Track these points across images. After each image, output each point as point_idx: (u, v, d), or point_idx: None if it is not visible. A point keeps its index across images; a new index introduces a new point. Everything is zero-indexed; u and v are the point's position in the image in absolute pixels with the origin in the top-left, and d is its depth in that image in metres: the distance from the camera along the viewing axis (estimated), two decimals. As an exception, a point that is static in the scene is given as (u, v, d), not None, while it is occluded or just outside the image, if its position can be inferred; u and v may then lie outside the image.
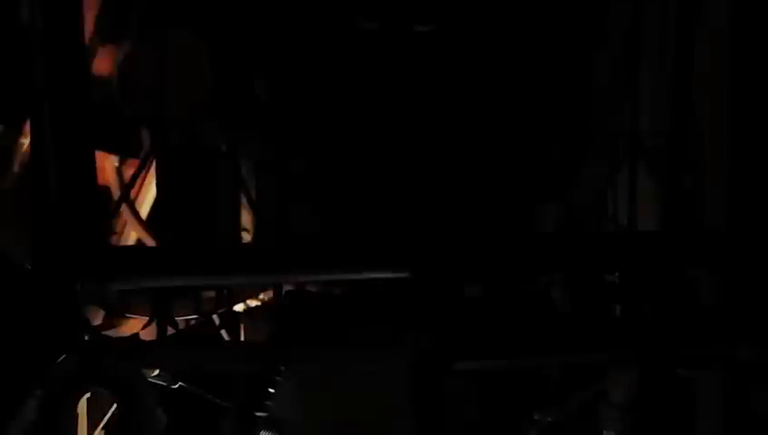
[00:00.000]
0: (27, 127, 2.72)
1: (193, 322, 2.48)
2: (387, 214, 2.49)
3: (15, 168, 2.74)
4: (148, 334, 2.12)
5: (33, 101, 2.30)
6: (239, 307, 2.64)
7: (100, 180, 2.86)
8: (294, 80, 2.64)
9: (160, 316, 1.93)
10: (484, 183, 2.50)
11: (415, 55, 2.44)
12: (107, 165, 2.86)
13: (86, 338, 1.85)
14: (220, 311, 2.21)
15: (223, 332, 2.61)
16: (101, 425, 2.40)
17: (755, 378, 1.97)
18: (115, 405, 2.31)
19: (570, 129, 2.55)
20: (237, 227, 2.73)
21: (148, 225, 2.80)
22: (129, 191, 2.79)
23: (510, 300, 2.32)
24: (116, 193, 2.82)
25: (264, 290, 2.55)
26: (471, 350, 1.82)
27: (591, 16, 2.46)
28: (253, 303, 2.67)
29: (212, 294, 2.47)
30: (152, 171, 2.90)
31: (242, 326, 2.64)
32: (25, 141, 2.75)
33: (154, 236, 2.59)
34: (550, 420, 2.41)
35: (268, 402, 2.15)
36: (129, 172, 2.84)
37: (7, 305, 2.38)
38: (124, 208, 2.76)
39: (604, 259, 2.20)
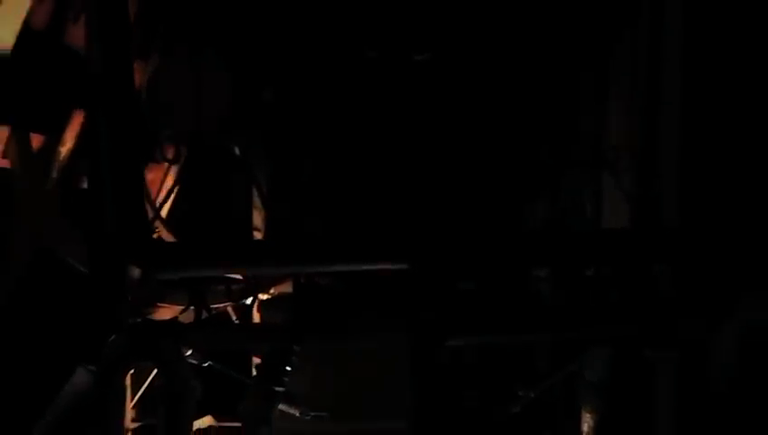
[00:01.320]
0: (66, 135, 3.02)
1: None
2: (388, 213, 2.80)
3: (54, 172, 3.01)
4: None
5: (89, 114, 2.58)
6: (248, 301, 2.92)
7: None
8: (306, 95, 2.93)
9: (196, 303, 2.22)
10: (479, 187, 2.82)
11: (415, 74, 2.74)
12: None
13: (134, 320, 2.14)
14: (248, 299, 2.47)
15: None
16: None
17: (707, 357, 2.26)
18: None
19: (555, 142, 2.86)
20: (250, 226, 3.04)
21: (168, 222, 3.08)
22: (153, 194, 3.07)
23: (499, 292, 2.61)
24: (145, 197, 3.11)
25: (275, 284, 2.83)
26: (462, 328, 2.11)
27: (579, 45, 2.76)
28: (263, 296, 2.95)
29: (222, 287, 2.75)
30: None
31: (258, 315, 2.93)
32: (63, 149, 3.05)
33: (174, 233, 2.86)
34: (532, 395, 2.70)
35: (285, 379, 2.44)
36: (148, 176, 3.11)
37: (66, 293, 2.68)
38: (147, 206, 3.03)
39: (582, 254, 2.48)
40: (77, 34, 2.72)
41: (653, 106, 2.24)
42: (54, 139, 2.90)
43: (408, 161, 2.82)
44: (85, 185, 3.13)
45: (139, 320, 2.14)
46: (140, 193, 2.12)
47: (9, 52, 2.29)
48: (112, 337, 2.10)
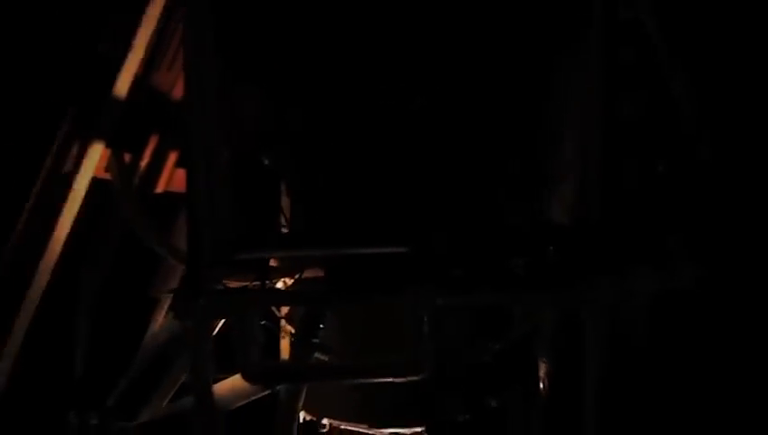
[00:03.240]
0: (144, 153, 3.87)
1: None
2: (391, 212, 3.43)
3: (136, 181, 3.86)
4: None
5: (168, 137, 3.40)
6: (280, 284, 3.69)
7: (179, 188, 4.03)
8: (321, 117, 3.51)
9: (261, 277, 3.10)
10: (470, 190, 3.43)
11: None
12: (183, 177, 4.00)
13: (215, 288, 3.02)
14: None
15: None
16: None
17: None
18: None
19: (528, 160, 3.48)
20: (278, 221, 3.83)
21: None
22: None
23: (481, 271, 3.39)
24: None
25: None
26: (448, 291, 2.99)
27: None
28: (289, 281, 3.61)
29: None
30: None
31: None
32: (142, 163, 3.88)
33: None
34: (498, 347, 3.55)
35: (320, 333, 3.33)
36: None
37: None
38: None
39: (543, 242, 3.34)
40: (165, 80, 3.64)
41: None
42: (138, 156, 3.72)
43: (409, 169, 3.41)
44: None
45: (219, 287, 3.03)
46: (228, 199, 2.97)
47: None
48: (201, 300, 3.00)
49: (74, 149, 3.32)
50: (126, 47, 3.13)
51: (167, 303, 4.07)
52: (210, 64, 2.97)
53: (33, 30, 3.38)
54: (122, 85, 3.18)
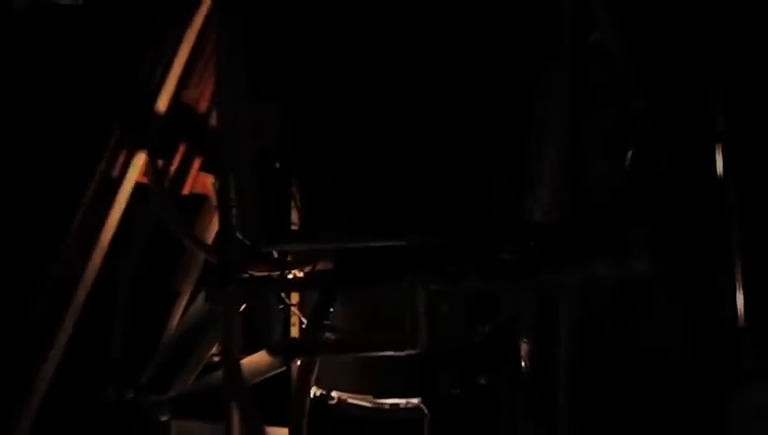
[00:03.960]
0: (175, 159, 4.36)
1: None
2: (392, 212, 3.84)
3: (166, 184, 4.36)
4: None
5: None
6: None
7: (203, 190, 4.53)
8: (330, 131, 3.94)
9: (282, 267, 3.61)
10: (464, 195, 3.84)
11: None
12: (207, 181, 4.45)
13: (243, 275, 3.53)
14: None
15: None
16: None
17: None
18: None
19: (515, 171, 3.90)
20: (290, 221, 4.10)
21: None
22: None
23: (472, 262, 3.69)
24: (213, 199, 4.38)
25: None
26: (441, 278, 3.48)
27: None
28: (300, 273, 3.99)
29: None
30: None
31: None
32: (172, 168, 4.36)
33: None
34: (487, 330, 4.01)
35: (330, 315, 3.80)
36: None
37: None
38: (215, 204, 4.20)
39: (524, 238, 3.82)
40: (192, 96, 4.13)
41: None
42: (168, 162, 4.26)
43: (409, 175, 3.80)
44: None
45: (246, 275, 3.54)
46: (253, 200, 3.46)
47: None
48: (230, 286, 3.51)
49: (121, 158, 3.82)
50: (164, 74, 3.64)
51: (186, 293, 4.59)
52: (240, 81, 3.46)
53: (90, 59, 3.91)
54: (161, 104, 3.70)
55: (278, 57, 3.80)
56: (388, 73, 3.74)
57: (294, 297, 4.05)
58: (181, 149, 4.22)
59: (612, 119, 3.85)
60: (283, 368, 4.26)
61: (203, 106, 4.18)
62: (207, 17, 3.73)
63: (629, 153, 3.77)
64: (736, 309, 3.58)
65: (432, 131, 3.75)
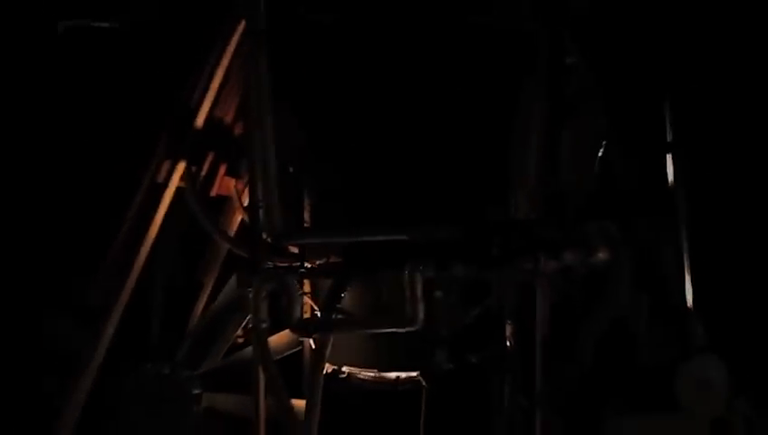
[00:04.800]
0: (204, 165, 4.97)
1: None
2: (394, 211, 4.35)
3: (197, 185, 4.96)
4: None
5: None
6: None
7: (227, 192, 5.06)
8: (340, 139, 4.46)
9: (300, 259, 4.22)
10: (456, 195, 4.35)
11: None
12: (230, 184, 4.98)
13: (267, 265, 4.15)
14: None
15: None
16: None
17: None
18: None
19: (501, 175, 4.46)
20: (302, 218, 4.71)
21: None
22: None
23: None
24: (235, 200, 4.98)
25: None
26: (436, 266, 4.08)
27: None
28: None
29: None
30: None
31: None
32: (202, 173, 4.89)
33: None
34: (477, 312, 4.53)
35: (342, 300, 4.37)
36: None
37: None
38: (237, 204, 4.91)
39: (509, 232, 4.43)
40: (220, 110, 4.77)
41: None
42: (199, 168, 4.79)
43: (408, 180, 4.28)
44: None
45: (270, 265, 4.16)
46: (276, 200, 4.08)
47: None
48: (258, 274, 4.14)
49: (166, 166, 4.45)
50: (202, 96, 4.29)
51: (210, 284, 5.20)
52: (267, 97, 4.08)
53: (141, 82, 4.56)
54: (199, 120, 4.34)
55: (296, 80, 4.37)
56: (392, 94, 4.29)
57: (306, 287, 4.55)
58: (209, 157, 4.80)
59: (583, 130, 4.47)
60: (299, 347, 4.92)
61: (228, 120, 4.73)
62: (236, 48, 4.36)
63: (596, 161, 4.40)
64: (684, 293, 4.19)
65: (429, 141, 4.32)
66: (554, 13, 4.14)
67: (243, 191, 4.92)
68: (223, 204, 5.04)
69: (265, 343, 4.10)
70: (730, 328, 4.24)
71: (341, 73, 4.24)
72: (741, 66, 4.66)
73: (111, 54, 4.92)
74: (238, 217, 4.99)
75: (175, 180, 4.35)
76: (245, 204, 4.77)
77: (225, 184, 4.92)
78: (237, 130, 4.82)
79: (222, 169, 4.88)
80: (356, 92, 4.25)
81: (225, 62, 4.29)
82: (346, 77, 4.31)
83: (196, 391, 4.99)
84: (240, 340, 5.15)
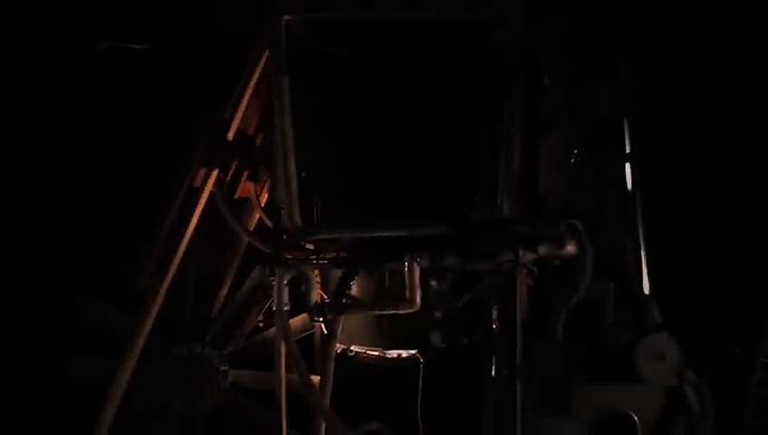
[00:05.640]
0: (230, 171, 5.65)
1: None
2: (394, 210, 5.05)
3: (224, 188, 5.63)
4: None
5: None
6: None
7: (247, 195, 5.71)
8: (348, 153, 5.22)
9: (316, 252, 4.93)
10: (448, 198, 5.06)
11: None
12: (250, 187, 5.61)
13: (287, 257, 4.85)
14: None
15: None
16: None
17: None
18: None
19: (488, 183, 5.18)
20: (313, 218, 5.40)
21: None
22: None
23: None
24: (254, 201, 5.63)
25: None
26: (430, 257, 4.78)
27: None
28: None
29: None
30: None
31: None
32: (227, 179, 5.53)
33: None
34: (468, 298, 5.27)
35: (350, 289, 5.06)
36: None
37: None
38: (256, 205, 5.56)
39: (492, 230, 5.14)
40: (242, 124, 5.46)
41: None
42: (225, 174, 5.43)
43: (408, 186, 4.96)
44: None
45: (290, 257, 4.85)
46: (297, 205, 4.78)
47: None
48: (281, 265, 4.85)
49: (202, 173, 5.16)
50: (233, 113, 5.01)
51: (230, 276, 5.88)
52: (288, 115, 4.78)
53: (178, 106, 5.30)
54: (230, 134, 5.06)
55: (312, 102, 5.05)
56: (394, 117, 5.00)
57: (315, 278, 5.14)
58: (233, 164, 5.36)
59: (557, 144, 5.18)
60: (312, 330, 5.59)
61: (250, 132, 5.38)
62: (262, 72, 5.08)
63: (569, 169, 5.11)
64: (642, 281, 4.91)
65: (424, 155, 5.05)
66: (531, 44, 4.84)
67: (261, 194, 5.60)
68: (244, 205, 5.68)
69: (288, 324, 4.79)
70: (681, 310, 4.93)
71: (350, 97, 4.92)
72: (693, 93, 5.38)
73: (145, 72, 5.61)
74: (256, 216, 5.64)
75: (209, 185, 5.02)
76: (263, 205, 5.49)
77: (245, 188, 5.55)
78: (258, 141, 5.48)
79: (244, 175, 5.51)
80: (363, 112, 4.96)
81: (251, 84, 4.99)
82: (354, 100, 5.04)
83: (224, 368, 5.67)
84: (260, 324, 5.85)
